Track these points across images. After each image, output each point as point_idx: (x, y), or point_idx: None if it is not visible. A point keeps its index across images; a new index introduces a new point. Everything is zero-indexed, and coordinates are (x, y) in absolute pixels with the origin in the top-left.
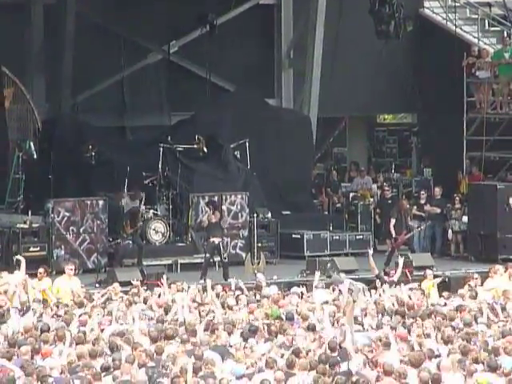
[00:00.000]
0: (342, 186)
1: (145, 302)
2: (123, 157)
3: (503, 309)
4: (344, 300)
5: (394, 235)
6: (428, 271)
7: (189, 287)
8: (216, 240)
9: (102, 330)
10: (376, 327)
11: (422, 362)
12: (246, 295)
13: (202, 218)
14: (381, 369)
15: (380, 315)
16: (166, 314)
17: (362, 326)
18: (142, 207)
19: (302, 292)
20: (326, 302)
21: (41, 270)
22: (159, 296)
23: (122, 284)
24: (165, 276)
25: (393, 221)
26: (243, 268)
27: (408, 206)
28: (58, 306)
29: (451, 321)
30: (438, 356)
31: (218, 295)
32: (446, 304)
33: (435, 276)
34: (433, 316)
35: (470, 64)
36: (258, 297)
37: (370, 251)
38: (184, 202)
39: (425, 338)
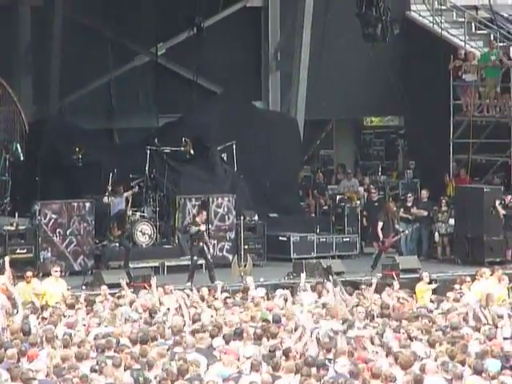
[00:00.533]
0: (328, 188)
1: (130, 304)
2: (110, 159)
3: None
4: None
5: (381, 238)
6: (424, 273)
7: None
8: (200, 243)
9: (89, 333)
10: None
11: (411, 364)
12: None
13: (191, 229)
14: (368, 372)
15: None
16: (151, 316)
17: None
18: (129, 212)
19: (285, 295)
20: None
21: (29, 273)
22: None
23: (109, 286)
24: (154, 278)
25: (380, 224)
26: (230, 270)
27: (395, 208)
28: (45, 309)
29: (439, 323)
30: (423, 359)
31: (203, 298)
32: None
33: (431, 280)
34: (419, 319)
35: (456, 67)
36: (247, 299)
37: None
38: (171, 205)
39: (411, 341)
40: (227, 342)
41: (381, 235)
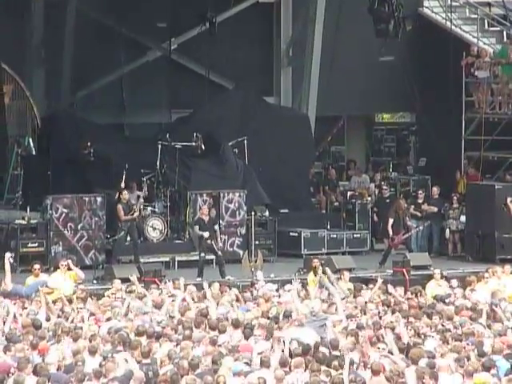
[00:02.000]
0: (339, 184)
1: (140, 298)
2: (121, 154)
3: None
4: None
5: (391, 235)
6: (436, 270)
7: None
8: (208, 240)
9: (99, 327)
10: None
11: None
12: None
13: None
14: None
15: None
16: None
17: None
18: (141, 200)
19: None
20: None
21: (36, 265)
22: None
23: (120, 281)
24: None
25: (391, 220)
26: (240, 266)
27: (405, 205)
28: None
29: (449, 320)
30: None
31: (214, 293)
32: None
33: (442, 276)
34: (430, 315)
35: (469, 64)
36: (254, 294)
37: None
38: (182, 200)
39: (419, 338)
40: (246, 338)
41: (391, 232)
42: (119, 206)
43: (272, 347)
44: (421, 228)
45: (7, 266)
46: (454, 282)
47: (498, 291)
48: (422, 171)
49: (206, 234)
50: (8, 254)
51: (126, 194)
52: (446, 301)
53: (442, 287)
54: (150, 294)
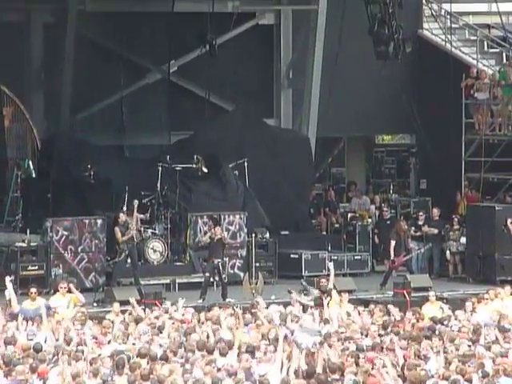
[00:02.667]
0: (340, 206)
1: (138, 321)
2: (122, 176)
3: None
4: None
5: (392, 257)
6: (431, 293)
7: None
8: (216, 260)
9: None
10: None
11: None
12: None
13: (202, 238)
14: None
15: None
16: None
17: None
18: (139, 223)
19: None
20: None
21: (33, 289)
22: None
23: (120, 303)
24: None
25: (393, 243)
26: (241, 288)
27: (406, 227)
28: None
29: (451, 342)
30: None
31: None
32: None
33: (438, 298)
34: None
35: (468, 85)
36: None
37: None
38: (182, 222)
39: (421, 359)
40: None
41: (392, 254)
42: (116, 229)
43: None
44: (422, 250)
45: (10, 289)
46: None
47: (504, 314)
48: (423, 193)
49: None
50: (8, 278)
51: (122, 216)
52: (445, 323)
53: (437, 309)
54: (148, 316)
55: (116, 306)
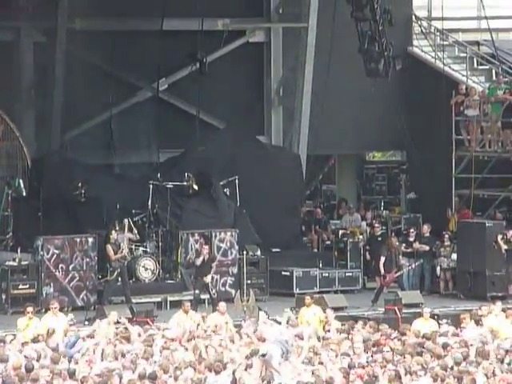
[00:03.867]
0: (331, 223)
1: (128, 339)
2: (113, 194)
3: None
4: None
5: (383, 273)
6: (425, 309)
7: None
8: (206, 278)
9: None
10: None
11: None
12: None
13: (196, 261)
14: None
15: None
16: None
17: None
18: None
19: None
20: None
21: (30, 308)
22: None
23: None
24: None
25: (382, 258)
26: (233, 305)
27: (397, 243)
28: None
29: (439, 359)
30: None
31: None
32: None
33: (432, 316)
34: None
35: (458, 102)
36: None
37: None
38: (173, 239)
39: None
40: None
41: (382, 270)
42: (108, 247)
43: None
44: (413, 266)
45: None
46: (445, 322)
47: (496, 331)
48: (413, 209)
49: (208, 279)
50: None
51: (114, 234)
52: (438, 340)
53: (430, 325)
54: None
55: (113, 315)
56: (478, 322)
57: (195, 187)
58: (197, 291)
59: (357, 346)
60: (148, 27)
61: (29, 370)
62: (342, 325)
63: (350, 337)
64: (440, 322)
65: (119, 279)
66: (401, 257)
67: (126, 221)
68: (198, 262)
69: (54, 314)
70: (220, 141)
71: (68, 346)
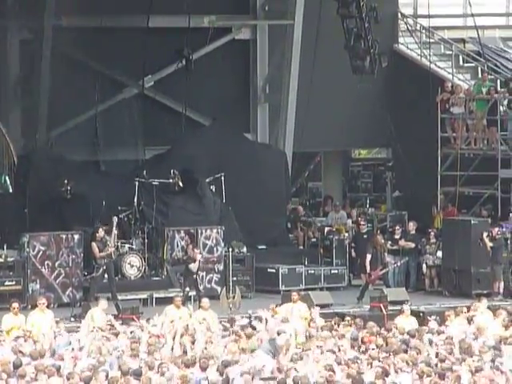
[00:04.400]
0: (316, 220)
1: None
2: (98, 191)
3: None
4: None
5: (368, 270)
6: (405, 306)
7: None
8: (194, 275)
9: (75, 365)
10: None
11: None
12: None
13: (193, 264)
14: None
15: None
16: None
17: None
18: (116, 243)
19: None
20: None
21: (15, 304)
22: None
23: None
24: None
25: (368, 256)
26: (218, 302)
27: (383, 241)
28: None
29: (424, 355)
30: None
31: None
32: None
33: (413, 312)
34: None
35: (444, 100)
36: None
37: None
38: (159, 236)
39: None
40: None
41: (368, 268)
42: (93, 244)
43: None
44: (398, 264)
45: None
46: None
47: (482, 328)
48: (399, 206)
49: (195, 269)
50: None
51: (100, 232)
52: (424, 336)
53: (410, 323)
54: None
55: (103, 303)
56: (470, 321)
57: (181, 184)
58: (187, 289)
59: (342, 342)
60: (134, 24)
61: (16, 366)
62: (326, 321)
63: (334, 334)
64: (429, 318)
65: (105, 276)
66: (386, 254)
67: (115, 218)
68: (194, 268)
69: (41, 310)
70: (206, 138)
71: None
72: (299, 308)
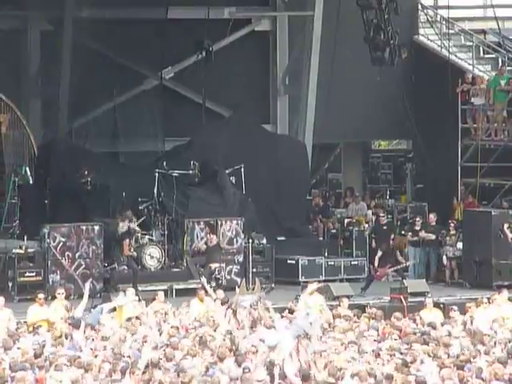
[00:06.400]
0: (337, 211)
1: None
2: (119, 182)
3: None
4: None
5: (376, 266)
6: (427, 299)
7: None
8: (213, 266)
9: (96, 356)
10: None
11: None
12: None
13: (199, 245)
14: None
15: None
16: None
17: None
18: (137, 228)
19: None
20: None
21: (41, 295)
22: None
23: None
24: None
25: (379, 253)
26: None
27: (400, 242)
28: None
29: (446, 347)
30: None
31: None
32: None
33: (437, 304)
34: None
35: (464, 91)
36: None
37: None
38: (179, 228)
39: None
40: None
41: (376, 264)
42: (127, 241)
43: None
44: (408, 264)
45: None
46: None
47: (501, 318)
48: (419, 197)
49: (214, 266)
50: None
51: (121, 225)
52: (443, 327)
53: (435, 315)
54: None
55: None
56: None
57: (200, 175)
58: (203, 279)
59: (365, 334)
60: (154, 15)
61: (37, 355)
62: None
63: (355, 325)
64: (453, 308)
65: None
66: (398, 253)
67: (129, 212)
68: (203, 246)
69: (60, 301)
70: (226, 129)
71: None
72: (316, 300)
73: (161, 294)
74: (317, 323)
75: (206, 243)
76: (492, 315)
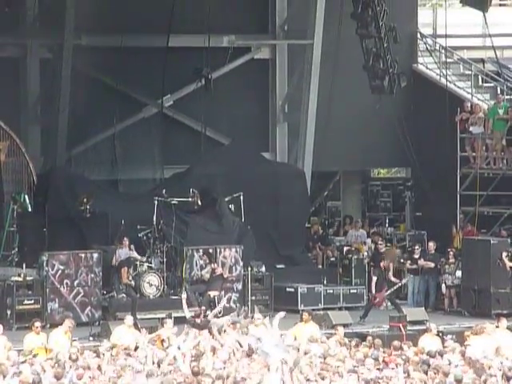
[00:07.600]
0: (336, 239)
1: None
2: (118, 210)
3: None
4: None
5: (374, 293)
6: (432, 325)
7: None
8: (212, 294)
9: None
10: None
11: None
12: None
13: (202, 272)
14: None
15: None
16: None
17: None
18: (138, 257)
19: None
20: None
21: (37, 323)
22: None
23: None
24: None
25: (374, 278)
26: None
27: (390, 262)
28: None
29: (445, 376)
30: None
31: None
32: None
33: (439, 332)
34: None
35: (463, 119)
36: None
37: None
38: (178, 255)
39: None
40: None
41: (374, 290)
42: (125, 269)
43: None
44: (403, 282)
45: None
46: (450, 338)
47: (499, 348)
48: (418, 226)
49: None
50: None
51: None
52: (443, 356)
53: (436, 343)
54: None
55: (129, 319)
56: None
57: (200, 203)
58: (203, 308)
59: (364, 362)
60: (154, 43)
61: None
62: (349, 341)
63: (352, 353)
64: (445, 337)
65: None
66: (390, 274)
67: (126, 239)
68: (206, 275)
69: (64, 331)
70: (225, 157)
71: None
72: (311, 329)
73: (169, 322)
74: (280, 347)
75: (209, 272)
76: (488, 344)
